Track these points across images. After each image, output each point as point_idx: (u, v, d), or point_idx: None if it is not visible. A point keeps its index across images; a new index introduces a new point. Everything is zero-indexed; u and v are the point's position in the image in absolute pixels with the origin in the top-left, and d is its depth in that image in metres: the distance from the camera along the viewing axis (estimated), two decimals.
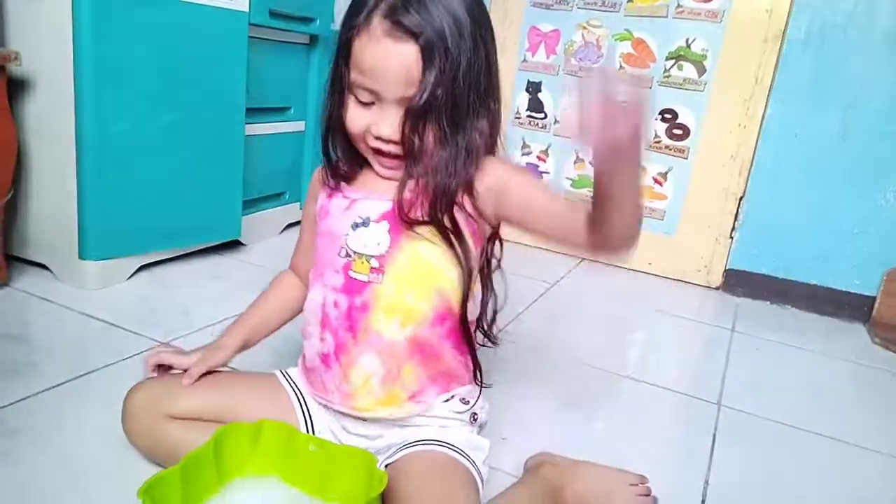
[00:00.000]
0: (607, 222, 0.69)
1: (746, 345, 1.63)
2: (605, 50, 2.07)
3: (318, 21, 1.85)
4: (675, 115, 2.03)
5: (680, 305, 1.90)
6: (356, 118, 0.73)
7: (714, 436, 1.15)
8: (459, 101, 0.70)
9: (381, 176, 0.77)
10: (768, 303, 1.98)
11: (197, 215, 1.58)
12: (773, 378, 1.45)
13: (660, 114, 2.04)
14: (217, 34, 1.49)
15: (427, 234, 0.74)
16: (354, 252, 0.76)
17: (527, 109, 2.21)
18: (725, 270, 2.03)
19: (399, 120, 0.70)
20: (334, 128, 0.77)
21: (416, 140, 0.70)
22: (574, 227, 0.72)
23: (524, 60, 2.18)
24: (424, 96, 0.68)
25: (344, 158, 0.79)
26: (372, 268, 0.75)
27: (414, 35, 0.67)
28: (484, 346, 0.86)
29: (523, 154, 2.23)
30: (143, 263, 1.51)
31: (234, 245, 1.76)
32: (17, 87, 1.32)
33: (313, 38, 1.91)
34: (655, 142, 2.06)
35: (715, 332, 1.73)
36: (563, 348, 1.45)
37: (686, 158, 2.03)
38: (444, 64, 0.68)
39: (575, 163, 2.17)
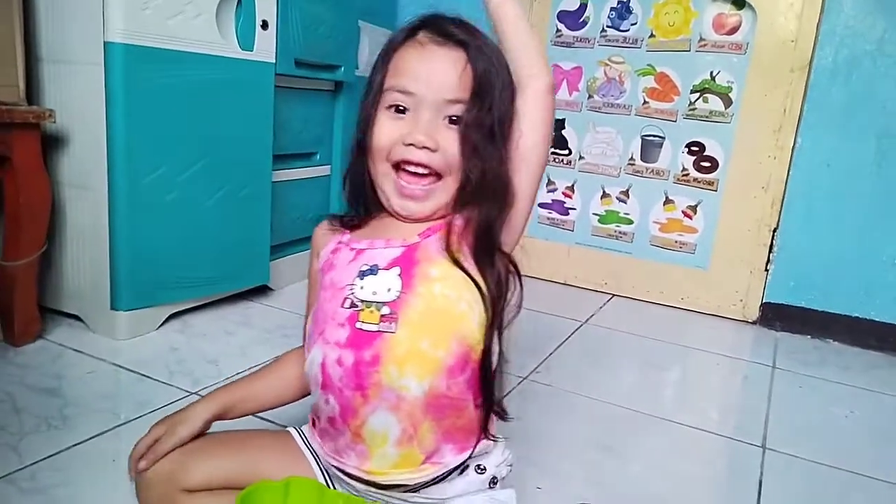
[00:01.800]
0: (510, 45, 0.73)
1: (789, 382, 1.57)
2: (627, 86, 2.07)
3: (342, 68, 1.88)
4: (703, 148, 2.00)
5: (716, 341, 1.85)
6: (385, 130, 0.71)
7: (760, 482, 1.09)
8: (503, 113, 0.71)
9: (398, 216, 0.73)
10: (808, 337, 1.91)
11: (226, 262, 1.60)
12: (819, 417, 1.39)
13: (686, 147, 2.02)
14: (245, 85, 1.52)
15: (442, 274, 0.70)
16: (362, 301, 0.70)
17: (551, 147, 2.20)
18: (762, 304, 1.98)
19: (434, 126, 0.69)
20: (362, 152, 0.74)
21: (472, 141, 0.69)
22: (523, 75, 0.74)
23: None
24: (478, 99, 0.69)
25: (365, 190, 0.77)
26: (382, 316, 0.68)
27: (462, 43, 0.69)
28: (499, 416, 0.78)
29: (549, 191, 2.22)
30: (172, 312, 1.52)
31: (262, 290, 1.77)
32: (52, 143, 1.35)
33: (338, 85, 1.94)
34: (683, 175, 2.03)
35: (755, 368, 1.67)
36: (598, 388, 1.41)
37: (715, 191, 2.00)
38: (490, 72, 0.70)
39: (602, 198, 2.15)
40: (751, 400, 1.48)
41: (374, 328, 0.69)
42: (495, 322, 0.70)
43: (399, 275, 0.70)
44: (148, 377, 1.25)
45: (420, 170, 0.70)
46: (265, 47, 1.55)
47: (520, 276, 0.74)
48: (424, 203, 0.72)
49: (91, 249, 1.38)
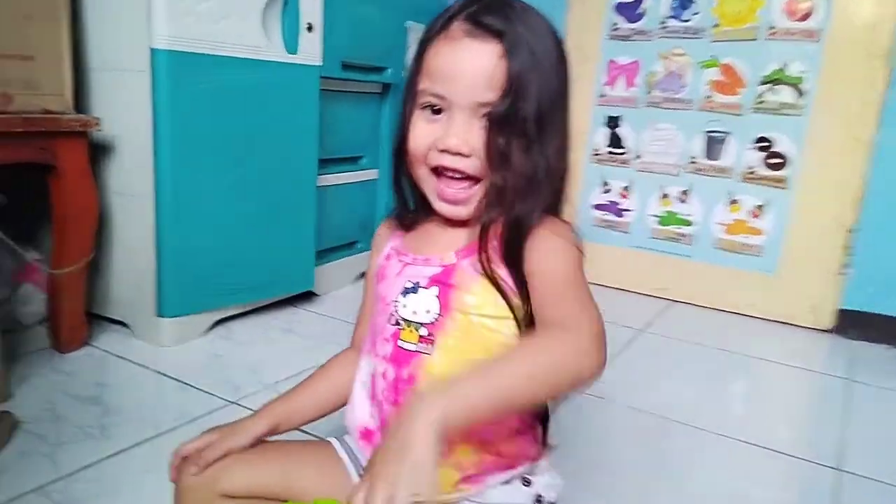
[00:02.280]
0: None
1: (867, 396, 1.44)
2: (689, 79, 1.95)
3: (389, 70, 1.85)
4: (772, 143, 1.87)
5: (786, 352, 1.72)
6: (420, 134, 0.66)
7: None
8: (543, 112, 0.63)
9: (441, 213, 0.68)
10: (889, 346, 1.76)
11: (271, 268, 1.58)
12: None
13: (754, 142, 1.89)
14: (290, 89, 1.50)
15: (479, 302, 0.66)
16: (404, 320, 0.69)
17: (606, 145, 2.11)
18: (838, 311, 1.83)
19: (468, 130, 0.63)
20: (402, 155, 0.70)
21: (500, 146, 0.63)
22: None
23: (602, 95, 2.09)
24: (510, 98, 0.61)
25: (411, 195, 0.73)
26: (421, 337, 0.67)
27: (497, 34, 0.62)
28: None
29: (604, 192, 2.12)
30: (217, 318, 1.51)
31: (307, 296, 1.75)
32: (99, 151, 1.36)
33: (385, 87, 1.91)
34: (750, 172, 1.90)
35: (829, 381, 1.54)
36: (655, 402, 1.32)
37: (785, 189, 1.86)
38: (530, 66, 0.62)
39: (660, 199, 2.04)
40: (824, 416, 1.36)
41: (413, 348, 0.68)
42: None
43: (437, 296, 0.67)
44: (189, 385, 1.24)
45: (457, 175, 0.66)
46: (310, 50, 1.52)
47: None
48: (465, 206, 0.67)
49: (137, 256, 1.38)
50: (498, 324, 0.65)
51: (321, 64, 1.56)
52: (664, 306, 1.99)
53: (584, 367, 0.58)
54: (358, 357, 0.80)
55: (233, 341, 1.47)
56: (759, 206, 1.90)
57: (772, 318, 1.91)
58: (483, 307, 0.65)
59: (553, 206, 0.68)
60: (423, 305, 0.67)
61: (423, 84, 0.65)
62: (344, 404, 0.80)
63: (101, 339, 1.41)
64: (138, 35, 1.25)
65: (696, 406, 1.33)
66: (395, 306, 0.70)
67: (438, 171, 0.67)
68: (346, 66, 1.66)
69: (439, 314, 0.67)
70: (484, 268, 0.65)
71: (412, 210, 0.73)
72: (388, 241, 0.76)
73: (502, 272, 0.65)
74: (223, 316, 1.53)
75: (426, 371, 0.67)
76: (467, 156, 0.64)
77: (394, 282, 0.71)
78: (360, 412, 0.73)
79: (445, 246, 0.69)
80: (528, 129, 0.63)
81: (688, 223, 2.01)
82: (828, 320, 1.84)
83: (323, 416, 0.80)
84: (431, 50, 0.65)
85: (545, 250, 0.64)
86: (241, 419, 0.76)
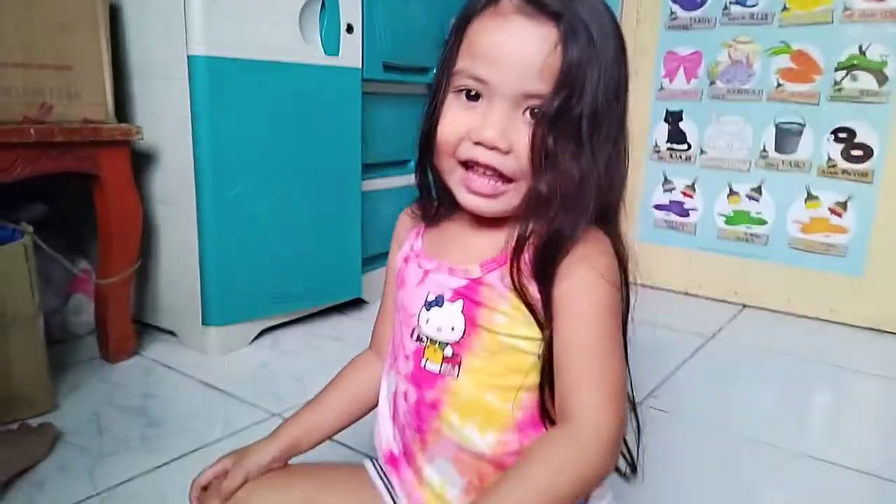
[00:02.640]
0: None
1: None
2: (756, 68, 1.82)
3: (433, 71, 1.79)
4: (853, 134, 1.71)
5: (873, 361, 1.55)
6: (453, 123, 0.57)
7: None
8: (600, 112, 0.54)
9: (466, 207, 0.60)
10: None
11: (317, 276, 1.55)
12: None
13: (832, 133, 1.74)
14: (331, 93, 1.47)
15: (509, 322, 0.57)
16: (427, 337, 0.61)
17: (667, 141, 1.99)
18: None
19: (509, 123, 0.55)
20: (430, 141, 0.61)
21: (549, 147, 0.54)
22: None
23: (661, 88, 1.97)
24: (564, 93, 0.53)
25: (438, 185, 0.64)
26: (445, 357, 0.60)
27: (555, 15, 0.53)
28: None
29: (665, 191, 2.00)
30: (264, 327, 1.49)
31: (355, 303, 1.71)
32: (142, 159, 1.36)
33: (429, 88, 1.85)
34: (830, 167, 1.75)
35: None
36: (727, 417, 1.20)
37: (870, 183, 1.70)
38: (589, 57, 0.53)
39: (728, 197, 1.90)
40: None
41: (437, 369, 0.61)
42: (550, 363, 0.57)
43: (462, 311, 0.59)
44: (233, 396, 1.21)
45: (489, 172, 0.57)
46: (351, 52, 1.49)
47: (627, 284, 0.61)
48: (493, 201, 0.58)
49: (183, 265, 1.37)
50: (530, 345, 0.58)
51: (362, 66, 1.52)
52: (735, 311, 1.85)
53: (597, 479, 0.53)
54: (378, 360, 0.74)
55: (279, 350, 1.44)
56: (841, 203, 1.74)
57: (858, 324, 1.74)
58: (514, 327, 0.57)
59: (602, 217, 0.59)
60: (447, 322, 0.60)
61: (462, 63, 0.57)
62: (366, 413, 0.74)
63: (150, 349, 1.40)
64: (176, 42, 1.24)
65: (772, 422, 1.21)
66: (418, 320, 0.62)
67: (468, 165, 0.58)
68: (389, 68, 1.61)
69: (464, 332, 0.59)
70: (514, 283, 0.56)
71: (436, 202, 0.66)
72: (408, 235, 0.69)
73: (533, 289, 0.56)
74: (270, 325, 1.50)
75: (451, 396, 0.60)
76: (505, 152, 0.55)
77: (415, 291, 0.63)
78: (385, 434, 0.67)
79: (470, 253, 0.61)
80: (582, 130, 0.54)
81: (760, 222, 1.86)
82: None
83: (345, 427, 0.74)
84: (475, 25, 0.57)
85: (581, 287, 0.56)
86: (257, 441, 0.71)
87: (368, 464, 0.73)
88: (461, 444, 0.59)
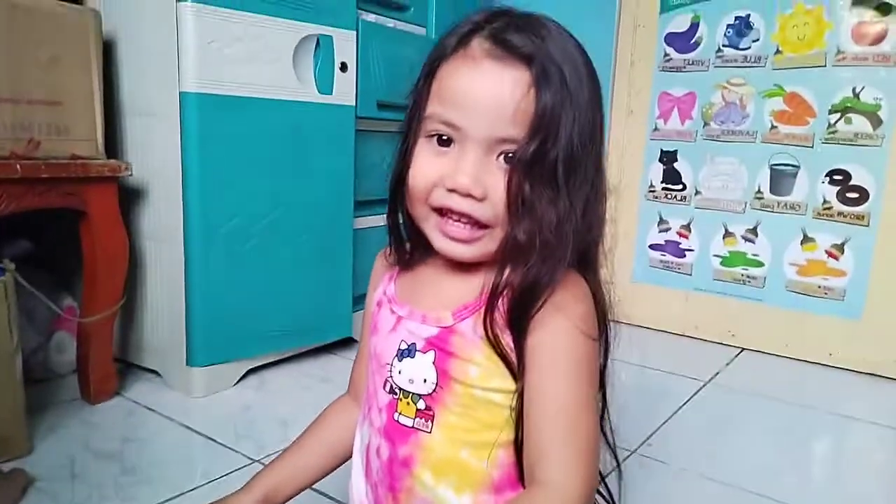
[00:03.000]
0: None
1: None
2: (750, 110, 1.82)
3: None
4: (848, 176, 1.71)
5: (877, 408, 1.52)
6: (424, 169, 0.56)
7: None
8: (576, 155, 0.53)
9: (442, 253, 0.58)
10: None
11: (306, 315, 1.52)
12: None
13: (827, 175, 1.73)
14: (324, 130, 1.46)
15: (482, 374, 0.55)
16: (400, 389, 0.59)
17: (662, 181, 1.98)
18: None
19: (483, 169, 0.53)
20: (401, 187, 0.60)
21: (526, 194, 0.53)
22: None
23: (655, 129, 1.98)
24: (539, 137, 0.51)
25: (409, 231, 0.63)
26: (418, 411, 0.57)
27: (526, 58, 0.52)
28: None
29: (661, 231, 1.99)
30: (251, 367, 1.45)
31: (346, 343, 1.67)
32: (131, 196, 1.35)
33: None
34: (826, 209, 1.74)
35: None
36: (725, 467, 1.16)
37: (867, 226, 1.69)
38: (563, 100, 0.52)
39: (724, 238, 1.89)
40: None
41: (410, 423, 0.58)
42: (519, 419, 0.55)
43: (434, 363, 0.57)
44: (213, 441, 1.17)
45: (464, 219, 0.56)
46: (345, 90, 1.49)
47: (607, 330, 0.59)
48: (469, 247, 0.57)
49: (168, 303, 1.35)
50: (505, 398, 0.55)
51: (356, 104, 1.51)
52: (732, 354, 1.82)
53: None
54: (355, 405, 0.72)
55: (264, 391, 1.40)
56: (838, 245, 1.73)
57: (859, 370, 1.71)
58: (488, 380, 0.55)
59: (581, 260, 0.57)
60: (419, 373, 0.57)
61: (433, 108, 0.56)
62: (345, 461, 0.71)
63: (133, 389, 1.36)
64: (168, 78, 1.23)
65: (770, 472, 1.17)
66: (391, 371, 0.60)
67: (442, 212, 0.56)
68: (383, 106, 1.61)
69: (437, 384, 0.56)
70: (487, 333, 0.54)
71: (409, 248, 0.64)
72: (382, 278, 0.67)
73: (508, 339, 0.54)
74: (256, 364, 1.47)
75: (424, 452, 0.57)
76: (480, 199, 0.53)
77: (387, 339, 0.61)
78: (357, 490, 0.64)
79: (444, 300, 0.59)
80: (558, 174, 0.53)
81: (757, 264, 1.85)
82: None
83: (323, 476, 0.72)
84: (446, 68, 0.56)
85: (555, 335, 0.54)
86: (229, 497, 0.68)
87: None
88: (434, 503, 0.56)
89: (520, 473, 0.56)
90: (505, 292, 0.55)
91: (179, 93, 1.23)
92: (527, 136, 0.52)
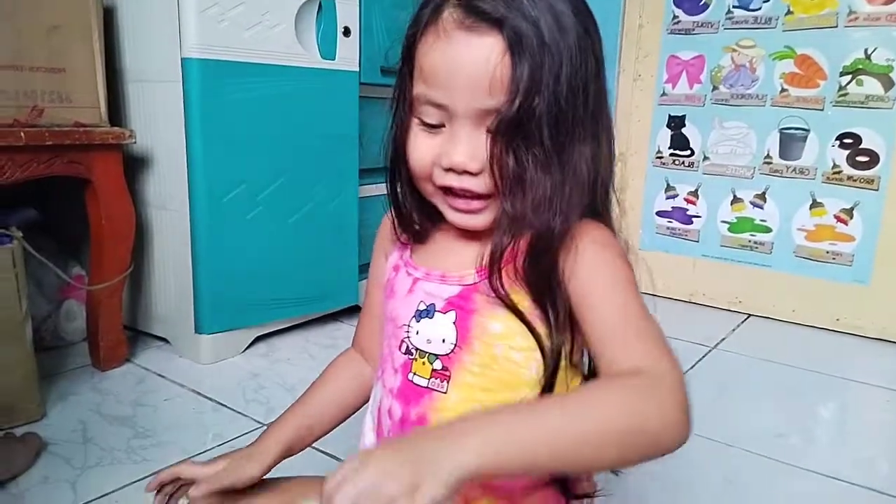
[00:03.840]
0: None
1: None
2: (760, 73, 1.79)
3: None
4: (858, 140, 1.68)
5: (883, 372, 1.52)
6: (420, 150, 0.55)
7: None
8: (563, 113, 0.51)
9: (457, 226, 0.57)
10: None
11: (313, 282, 1.52)
12: None
13: (837, 139, 1.71)
14: (327, 96, 1.45)
15: (506, 330, 0.54)
16: (416, 349, 0.58)
17: (669, 147, 1.96)
18: None
19: (475, 143, 0.52)
20: (398, 165, 0.59)
21: (509, 164, 0.51)
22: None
23: (663, 94, 1.95)
24: (517, 103, 0.49)
25: (414, 207, 0.61)
26: (434, 371, 0.57)
27: (497, 23, 0.49)
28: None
29: (668, 197, 1.97)
30: (259, 335, 1.46)
31: (353, 310, 1.68)
32: (135, 164, 1.35)
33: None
34: (835, 173, 1.72)
35: None
36: (730, 433, 1.17)
37: (877, 190, 1.67)
38: (541, 60, 0.49)
39: (732, 203, 1.87)
40: None
41: (424, 383, 0.58)
42: (556, 376, 0.54)
43: (454, 322, 0.56)
44: (223, 406, 1.19)
45: (469, 188, 0.54)
46: (348, 55, 1.47)
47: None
48: (479, 216, 0.56)
49: (176, 271, 1.35)
50: (526, 358, 0.54)
51: (359, 69, 1.50)
52: (739, 320, 1.82)
53: (667, 431, 0.44)
54: (359, 359, 0.72)
55: (272, 358, 1.41)
56: (847, 210, 1.71)
57: (866, 335, 1.71)
58: (511, 337, 0.54)
59: (592, 212, 0.56)
60: (438, 333, 0.57)
61: (418, 89, 0.54)
62: (353, 412, 0.72)
63: (143, 357, 1.38)
64: (169, 45, 1.22)
65: (777, 436, 1.18)
66: (408, 331, 0.59)
67: (446, 189, 0.56)
68: (387, 72, 1.59)
69: (455, 344, 0.56)
70: (497, 293, 0.53)
71: (417, 222, 0.62)
72: (393, 245, 0.66)
73: (522, 295, 0.54)
74: (265, 332, 1.48)
75: (438, 411, 0.56)
76: (476, 173, 0.53)
77: (405, 300, 0.60)
78: (369, 446, 0.64)
79: (464, 260, 0.58)
80: (545, 137, 0.50)
81: (765, 229, 1.83)
82: None
83: (333, 428, 0.72)
84: (422, 47, 0.54)
85: (594, 265, 0.52)
86: (257, 441, 0.68)
87: None
88: None
89: None
90: (512, 252, 0.54)
91: (181, 59, 1.22)
92: (507, 102, 0.50)
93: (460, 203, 0.55)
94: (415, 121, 0.56)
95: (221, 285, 1.35)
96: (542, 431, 0.42)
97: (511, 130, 0.50)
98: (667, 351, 0.49)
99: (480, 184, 0.53)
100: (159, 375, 1.30)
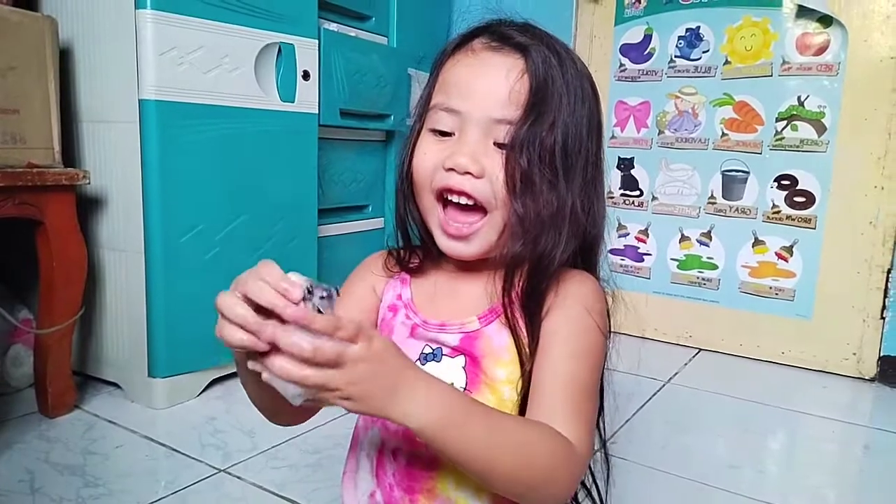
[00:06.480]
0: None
1: None
2: (702, 118, 1.89)
3: (392, 117, 1.81)
4: (795, 181, 1.78)
5: (827, 403, 1.58)
6: (427, 153, 0.58)
7: None
8: (572, 143, 0.56)
9: (443, 251, 0.59)
10: None
11: None
12: None
13: (775, 180, 1.80)
14: (286, 138, 1.46)
15: (510, 375, 0.56)
16: None
17: (620, 187, 2.03)
18: (880, 357, 1.70)
19: (481, 150, 0.56)
20: (407, 188, 0.62)
21: (523, 168, 0.55)
22: None
23: (613, 137, 2.03)
24: (532, 118, 0.55)
25: (419, 223, 0.64)
26: None
27: (521, 48, 0.56)
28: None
29: (620, 235, 2.04)
30: (216, 377, 1.44)
31: None
32: (89, 205, 1.33)
33: (389, 135, 1.87)
34: (774, 212, 1.81)
35: (877, 436, 1.40)
36: (685, 463, 1.20)
37: (814, 228, 1.76)
38: (556, 90, 0.56)
39: (680, 242, 1.95)
40: (875, 475, 1.22)
41: None
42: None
43: (464, 367, 0.58)
44: (178, 451, 1.16)
45: (463, 200, 0.57)
46: (307, 98, 1.49)
47: (610, 331, 0.64)
48: (469, 243, 0.58)
49: (129, 314, 1.33)
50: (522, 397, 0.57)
51: (319, 112, 1.52)
52: (691, 355, 1.87)
53: (561, 485, 0.51)
54: None
55: (230, 401, 1.39)
56: (787, 247, 1.80)
57: (810, 367, 1.78)
58: (514, 381, 0.57)
59: (585, 259, 0.61)
60: (447, 377, 0.56)
61: (437, 99, 0.59)
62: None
63: (93, 403, 1.34)
64: (127, 86, 1.22)
65: (729, 467, 1.21)
66: None
67: (445, 201, 0.58)
68: (346, 114, 1.62)
69: (465, 388, 0.57)
70: (507, 315, 0.56)
71: (417, 252, 0.65)
72: (389, 282, 0.66)
73: (521, 323, 0.57)
74: (221, 374, 1.45)
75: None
76: (478, 177, 0.56)
77: (405, 343, 0.61)
78: (361, 492, 0.62)
79: (465, 306, 0.60)
80: (556, 159, 0.55)
81: (711, 266, 1.91)
82: (871, 368, 1.71)
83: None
84: (448, 63, 0.60)
85: (566, 320, 0.57)
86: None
87: None
88: None
89: None
90: (517, 280, 0.57)
91: (139, 100, 1.22)
92: (522, 115, 0.55)
93: (453, 227, 0.58)
94: (425, 132, 0.60)
95: (177, 327, 1.32)
96: (484, 439, 0.48)
97: (525, 142, 0.55)
98: (589, 432, 0.54)
99: (479, 188, 0.56)
100: (110, 422, 1.26)
